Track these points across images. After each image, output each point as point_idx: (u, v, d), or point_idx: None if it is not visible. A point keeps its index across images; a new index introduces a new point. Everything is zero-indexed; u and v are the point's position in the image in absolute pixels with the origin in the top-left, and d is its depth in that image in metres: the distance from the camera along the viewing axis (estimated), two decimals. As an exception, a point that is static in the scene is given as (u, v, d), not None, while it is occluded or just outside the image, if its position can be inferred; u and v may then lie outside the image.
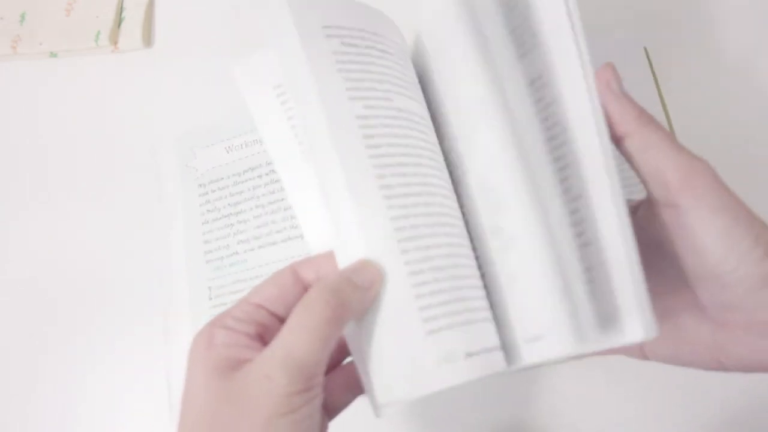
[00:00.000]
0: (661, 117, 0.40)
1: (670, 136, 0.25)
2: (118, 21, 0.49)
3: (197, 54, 0.48)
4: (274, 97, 0.31)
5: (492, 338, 0.25)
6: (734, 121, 0.41)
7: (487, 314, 0.26)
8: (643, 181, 0.25)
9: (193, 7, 0.50)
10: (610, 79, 0.25)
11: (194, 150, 0.44)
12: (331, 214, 0.25)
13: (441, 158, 0.28)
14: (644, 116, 0.25)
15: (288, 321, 0.23)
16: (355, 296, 0.23)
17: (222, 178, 0.43)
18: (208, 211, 0.42)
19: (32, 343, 0.42)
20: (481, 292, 0.26)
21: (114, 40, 0.49)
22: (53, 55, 0.49)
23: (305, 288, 0.25)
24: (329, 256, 0.25)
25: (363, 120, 0.26)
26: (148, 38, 0.49)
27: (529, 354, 0.25)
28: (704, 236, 0.23)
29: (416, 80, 0.30)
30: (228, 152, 0.43)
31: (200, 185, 0.43)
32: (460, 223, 0.27)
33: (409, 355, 0.23)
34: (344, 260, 0.25)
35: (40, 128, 0.48)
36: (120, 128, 0.47)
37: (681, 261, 0.25)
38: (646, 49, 0.42)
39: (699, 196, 0.23)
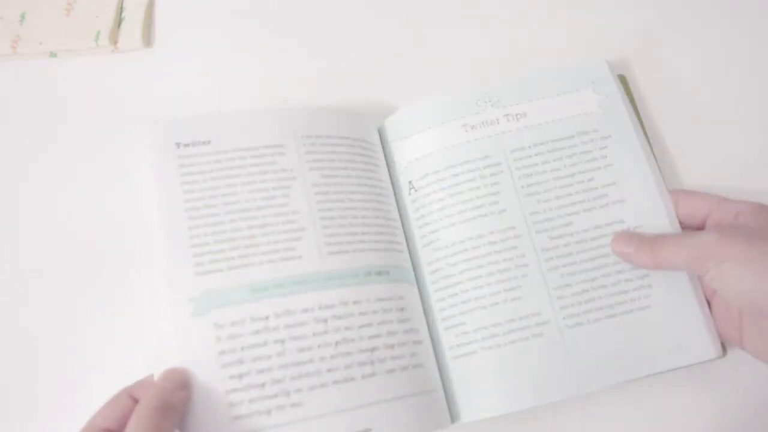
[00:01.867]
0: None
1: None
2: (118, 21, 0.49)
3: (197, 54, 0.48)
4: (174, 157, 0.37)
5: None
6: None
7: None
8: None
9: (193, 7, 0.50)
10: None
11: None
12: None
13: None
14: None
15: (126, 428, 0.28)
16: (174, 396, 0.30)
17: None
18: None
19: (26, 333, 0.42)
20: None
21: (114, 40, 0.49)
22: (53, 55, 0.49)
23: None
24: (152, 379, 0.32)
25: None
26: (148, 38, 0.49)
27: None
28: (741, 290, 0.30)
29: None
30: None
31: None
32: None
33: None
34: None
35: (39, 128, 0.48)
36: (120, 128, 0.46)
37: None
38: (624, 77, 0.42)
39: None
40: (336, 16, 0.49)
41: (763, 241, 0.29)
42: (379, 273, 0.34)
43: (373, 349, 0.32)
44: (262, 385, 0.31)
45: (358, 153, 0.37)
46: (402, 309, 0.34)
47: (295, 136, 0.36)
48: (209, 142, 0.36)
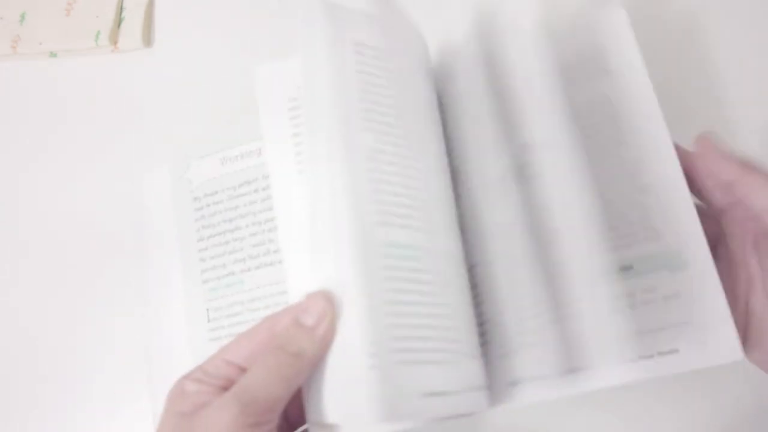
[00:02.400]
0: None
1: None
2: (118, 21, 0.49)
3: (197, 54, 0.48)
4: (286, 109, 0.31)
5: (462, 379, 0.25)
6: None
7: (462, 352, 0.26)
8: (755, 218, 0.28)
9: (193, 7, 0.50)
10: (708, 144, 0.29)
11: (189, 161, 0.42)
12: (311, 231, 0.25)
13: (445, 186, 0.29)
14: (746, 166, 0.28)
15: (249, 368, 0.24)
16: (304, 338, 0.24)
17: (217, 192, 0.40)
18: (203, 227, 0.40)
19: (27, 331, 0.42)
20: (462, 331, 0.26)
21: (114, 40, 0.49)
22: (53, 55, 0.49)
23: None
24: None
25: (370, 152, 0.26)
26: (148, 38, 0.49)
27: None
28: None
29: (434, 99, 0.30)
30: (223, 164, 0.41)
31: (195, 198, 0.41)
32: (453, 257, 0.27)
33: (345, 384, 0.24)
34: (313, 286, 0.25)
35: (39, 128, 0.48)
36: (120, 128, 0.46)
37: None
38: None
39: None
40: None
41: None
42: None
43: None
44: None
45: None
46: None
47: None
48: None
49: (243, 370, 0.25)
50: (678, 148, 0.30)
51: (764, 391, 0.35)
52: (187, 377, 0.26)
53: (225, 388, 0.25)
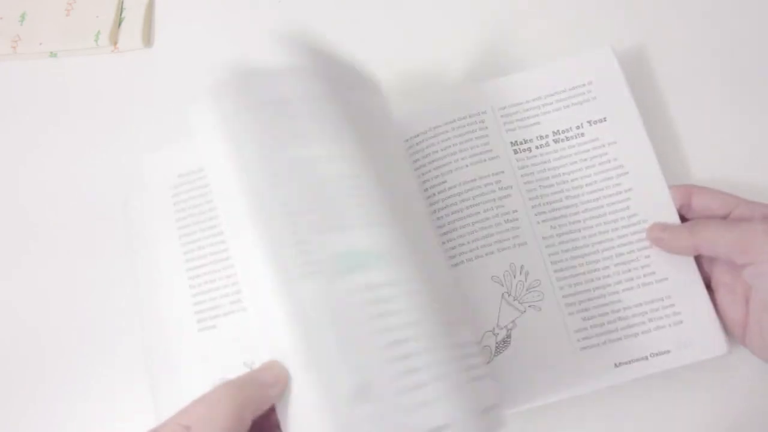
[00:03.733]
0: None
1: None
2: (118, 21, 0.49)
3: (197, 54, 0.48)
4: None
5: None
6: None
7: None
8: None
9: (193, 7, 0.50)
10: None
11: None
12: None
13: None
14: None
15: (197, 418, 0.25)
16: (259, 393, 0.25)
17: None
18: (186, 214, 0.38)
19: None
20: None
21: (114, 40, 0.49)
22: (53, 55, 0.49)
23: None
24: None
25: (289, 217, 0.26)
26: (148, 38, 0.49)
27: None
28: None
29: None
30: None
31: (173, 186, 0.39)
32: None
33: None
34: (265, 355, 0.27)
35: (39, 128, 0.48)
36: (120, 128, 0.46)
37: None
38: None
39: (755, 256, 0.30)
40: (336, 16, 0.49)
41: None
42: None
43: None
44: None
45: None
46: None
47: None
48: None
49: None
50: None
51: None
52: None
53: None
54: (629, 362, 0.34)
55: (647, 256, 0.35)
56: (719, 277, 0.34)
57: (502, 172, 0.37)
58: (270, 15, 0.49)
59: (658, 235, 0.34)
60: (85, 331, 0.41)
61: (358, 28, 0.47)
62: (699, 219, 0.34)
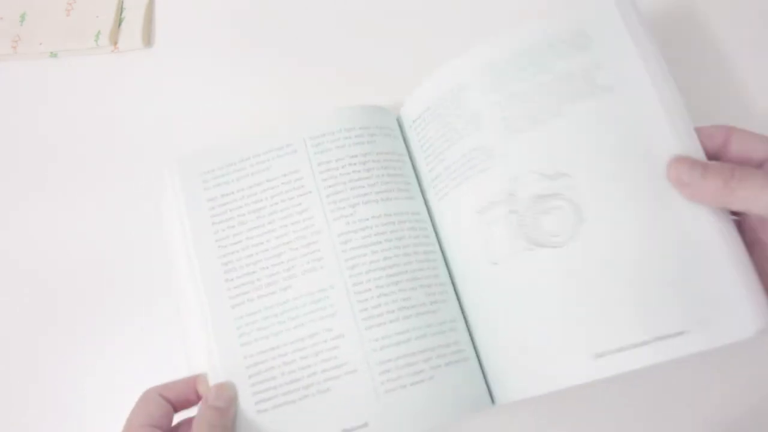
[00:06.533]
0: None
1: None
2: (118, 21, 0.49)
3: (197, 54, 0.48)
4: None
5: None
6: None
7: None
8: None
9: (193, 7, 0.50)
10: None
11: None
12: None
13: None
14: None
15: None
16: (220, 418, 0.31)
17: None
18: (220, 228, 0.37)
19: (33, 338, 0.41)
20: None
21: (114, 40, 0.49)
22: (53, 55, 0.49)
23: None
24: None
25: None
26: (148, 38, 0.49)
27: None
28: None
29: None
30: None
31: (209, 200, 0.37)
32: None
33: None
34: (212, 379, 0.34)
35: (40, 128, 0.48)
36: (120, 128, 0.46)
37: None
38: None
39: None
40: (338, 16, 0.48)
41: None
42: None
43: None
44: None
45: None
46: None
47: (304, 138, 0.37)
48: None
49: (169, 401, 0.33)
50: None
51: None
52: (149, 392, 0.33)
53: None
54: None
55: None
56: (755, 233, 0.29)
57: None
58: (270, 15, 0.49)
59: (683, 177, 0.28)
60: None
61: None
62: (728, 166, 0.28)
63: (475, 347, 0.34)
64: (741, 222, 0.30)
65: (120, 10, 0.49)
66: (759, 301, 0.28)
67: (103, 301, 0.42)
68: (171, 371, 0.34)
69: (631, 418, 0.36)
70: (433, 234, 0.37)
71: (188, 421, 0.33)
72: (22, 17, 0.50)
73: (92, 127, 0.47)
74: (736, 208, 0.28)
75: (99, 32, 0.48)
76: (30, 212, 0.45)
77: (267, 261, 0.35)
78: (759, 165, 0.29)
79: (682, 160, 0.29)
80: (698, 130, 0.31)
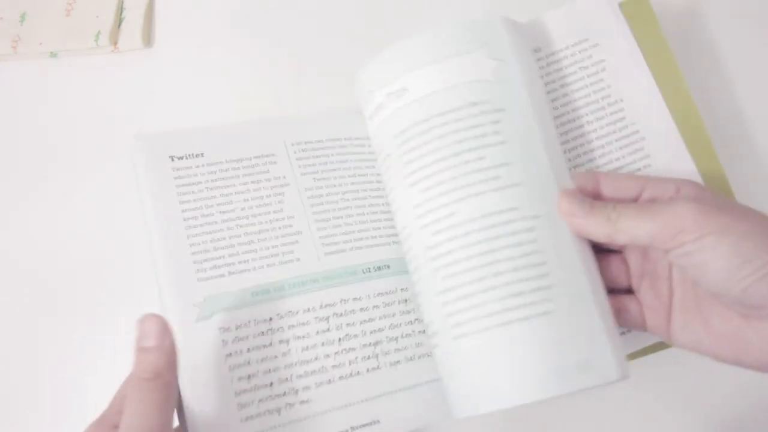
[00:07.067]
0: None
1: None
2: (118, 21, 0.49)
3: (197, 54, 0.48)
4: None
5: None
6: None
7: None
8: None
9: (193, 7, 0.50)
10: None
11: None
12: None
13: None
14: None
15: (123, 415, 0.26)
16: (153, 359, 0.26)
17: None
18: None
19: (33, 338, 0.42)
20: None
21: (114, 40, 0.49)
22: (53, 55, 0.49)
23: None
24: None
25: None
26: (148, 38, 0.49)
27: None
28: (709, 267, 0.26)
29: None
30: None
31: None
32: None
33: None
34: None
35: (40, 128, 0.48)
36: (120, 128, 0.46)
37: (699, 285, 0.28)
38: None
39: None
40: (341, 17, 0.49)
41: (750, 213, 0.26)
42: (378, 268, 0.35)
43: (376, 343, 0.33)
44: (270, 384, 0.31)
45: (349, 152, 0.38)
46: (405, 300, 0.34)
47: (286, 144, 0.37)
48: (202, 154, 0.36)
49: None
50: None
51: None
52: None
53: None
54: None
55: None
56: (637, 264, 0.31)
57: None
58: (270, 15, 0.49)
59: (572, 211, 0.29)
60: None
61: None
62: (612, 204, 0.29)
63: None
64: (626, 257, 0.32)
65: (120, 10, 0.50)
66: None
67: (103, 301, 0.42)
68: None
69: (631, 418, 0.36)
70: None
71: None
72: (22, 17, 0.50)
73: (92, 128, 0.47)
74: (621, 240, 0.29)
75: (99, 32, 0.48)
76: (30, 212, 0.45)
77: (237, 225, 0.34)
78: (635, 199, 0.30)
79: (573, 194, 0.30)
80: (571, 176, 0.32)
